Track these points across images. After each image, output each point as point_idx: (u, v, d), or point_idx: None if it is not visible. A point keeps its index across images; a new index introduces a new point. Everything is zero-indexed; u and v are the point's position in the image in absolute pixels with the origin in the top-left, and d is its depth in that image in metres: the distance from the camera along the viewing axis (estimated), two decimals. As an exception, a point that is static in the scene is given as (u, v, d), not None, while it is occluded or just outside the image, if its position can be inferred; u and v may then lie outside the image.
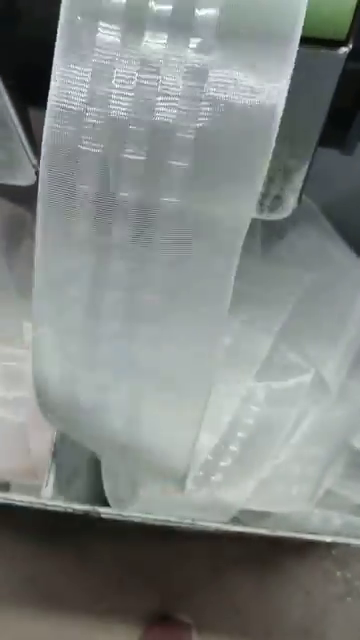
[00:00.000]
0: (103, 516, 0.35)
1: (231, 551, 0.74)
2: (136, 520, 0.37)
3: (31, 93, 0.34)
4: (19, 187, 0.41)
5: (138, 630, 0.73)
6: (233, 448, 0.45)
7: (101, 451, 0.36)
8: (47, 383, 0.29)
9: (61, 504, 0.35)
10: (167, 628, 0.72)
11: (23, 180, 0.38)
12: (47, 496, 0.36)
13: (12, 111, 0.32)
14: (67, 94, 0.23)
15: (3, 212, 0.54)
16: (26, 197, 0.55)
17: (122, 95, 0.23)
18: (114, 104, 0.23)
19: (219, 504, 0.45)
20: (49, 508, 0.36)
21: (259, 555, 0.74)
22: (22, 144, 0.35)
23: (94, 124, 0.23)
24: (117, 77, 0.22)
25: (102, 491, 0.48)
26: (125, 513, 0.36)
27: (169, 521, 0.39)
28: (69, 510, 0.36)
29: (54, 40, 0.23)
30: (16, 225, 0.54)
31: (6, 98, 0.31)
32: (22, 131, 0.34)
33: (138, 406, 0.30)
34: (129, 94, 0.22)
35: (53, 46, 0.24)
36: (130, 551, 0.74)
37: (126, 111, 0.23)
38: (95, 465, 0.50)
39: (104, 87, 0.22)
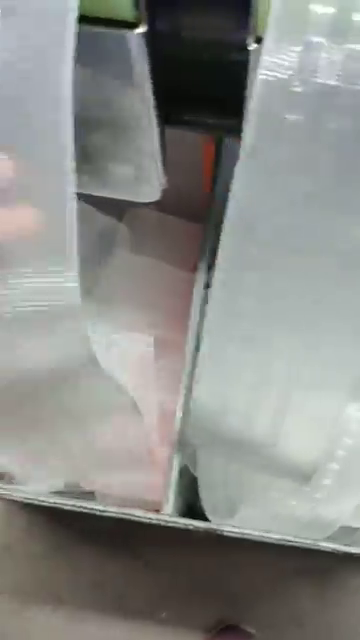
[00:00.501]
0: (225, 534, 0.36)
1: (293, 561, 0.74)
2: (243, 536, 0.37)
3: (173, 111, 0.34)
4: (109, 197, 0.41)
5: (200, 638, 0.73)
6: (335, 466, 0.45)
7: (231, 456, 0.37)
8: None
9: (183, 521, 0.35)
10: (229, 638, 0.73)
11: (147, 197, 0.38)
12: (168, 512, 0.36)
13: (155, 124, 0.32)
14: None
15: (94, 223, 0.54)
16: (116, 208, 0.55)
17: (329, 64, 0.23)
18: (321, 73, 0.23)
19: (320, 521, 0.45)
20: (169, 524, 0.36)
21: (321, 566, 0.74)
22: (155, 159, 0.34)
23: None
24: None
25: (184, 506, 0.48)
26: (246, 530, 0.36)
27: (270, 537, 0.39)
28: (189, 527, 0.36)
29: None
30: (107, 236, 0.54)
31: (153, 113, 0.31)
32: (159, 146, 0.34)
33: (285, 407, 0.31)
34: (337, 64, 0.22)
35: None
36: (193, 559, 0.74)
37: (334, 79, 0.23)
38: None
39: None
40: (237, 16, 0.25)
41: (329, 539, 0.45)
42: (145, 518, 0.36)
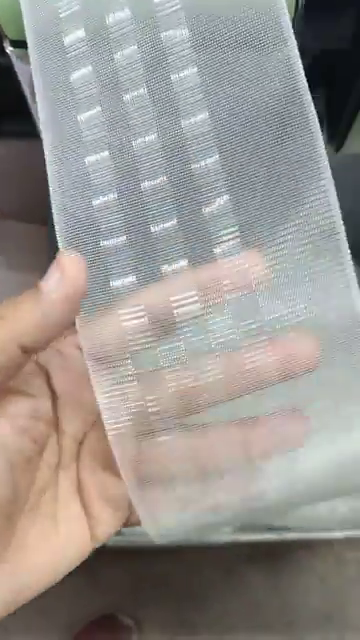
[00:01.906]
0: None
1: (242, 550, 0.75)
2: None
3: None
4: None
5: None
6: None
7: None
8: None
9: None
10: (104, 629, 0.72)
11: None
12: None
13: None
14: None
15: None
16: None
17: None
18: None
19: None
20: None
21: (270, 550, 0.74)
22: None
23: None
24: None
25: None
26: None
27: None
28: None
29: None
30: None
31: None
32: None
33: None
34: None
35: None
36: (141, 566, 0.74)
37: None
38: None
39: None
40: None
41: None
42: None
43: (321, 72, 0.32)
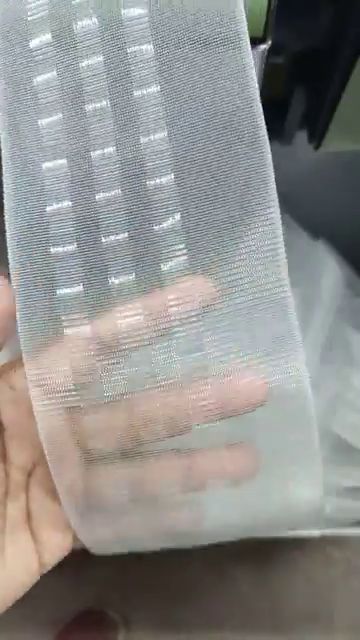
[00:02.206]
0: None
1: (230, 548, 0.74)
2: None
3: None
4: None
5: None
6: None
7: None
8: None
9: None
10: (90, 625, 0.72)
11: None
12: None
13: None
14: None
15: None
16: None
17: None
18: None
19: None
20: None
21: (258, 546, 0.74)
22: None
23: None
24: None
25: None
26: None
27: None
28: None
29: None
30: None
31: None
32: None
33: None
34: None
35: None
36: (128, 563, 0.74)
37: None
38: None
39: None
40: None
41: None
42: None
43: (301, 70, 0.32)
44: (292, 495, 0.25)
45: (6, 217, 0.23)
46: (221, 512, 0.26)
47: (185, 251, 0.23)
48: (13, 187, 0.23)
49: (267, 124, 0.25)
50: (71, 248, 0.23)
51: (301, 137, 0.36)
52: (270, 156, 0.22)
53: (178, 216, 0.23)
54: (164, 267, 0.23)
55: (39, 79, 0.23)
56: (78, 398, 0.23)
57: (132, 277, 0.23)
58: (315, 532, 0.39)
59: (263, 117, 0.22)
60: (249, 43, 0.22)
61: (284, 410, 0.23)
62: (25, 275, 0.23)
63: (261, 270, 0.22)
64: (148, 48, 0.22)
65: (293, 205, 0.54)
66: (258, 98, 0.22)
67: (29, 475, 0.26)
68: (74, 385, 0.23)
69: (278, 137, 0.37)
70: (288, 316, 0.22)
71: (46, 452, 0.23)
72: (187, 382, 0.23)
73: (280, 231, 0.22)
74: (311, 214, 0.55)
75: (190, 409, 0.23)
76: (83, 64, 0.22)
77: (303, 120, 0.34)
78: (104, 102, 0.23)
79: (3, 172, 0.23)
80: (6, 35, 0.23)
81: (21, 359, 0.24)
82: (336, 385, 0.52)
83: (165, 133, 0.22)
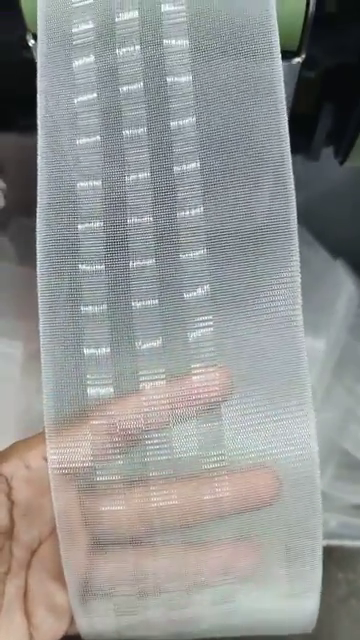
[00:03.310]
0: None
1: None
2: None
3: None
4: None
5: None
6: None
7: None
8: None
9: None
10: None
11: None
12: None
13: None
14: None
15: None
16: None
17: None
18: None
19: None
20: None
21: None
22: None
23: None
24: None
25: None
26: None
27: None
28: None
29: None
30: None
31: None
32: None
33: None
34: None
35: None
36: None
37: None
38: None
39: None
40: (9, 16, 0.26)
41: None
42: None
43: (331, 87, 0.33)
44: (289, 600, 0.26)
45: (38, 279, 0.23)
46: (223, 613, 0.26)
47: (211, 322, 0.23)
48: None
49: (294, 140, 0.26)
50: (102, 308, 0.23)
51: (326, 153, 0.37)
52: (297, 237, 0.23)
53: (207, 287, 0.23)
54: (190, 336, 0.23)
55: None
56: (96, 479, 0.23)
57: (159, 342, 0.23)
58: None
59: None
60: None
61: (294, 510, 0.24)
62: (55, 352, 0.23)
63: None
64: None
65: (314, 222, 0.54)
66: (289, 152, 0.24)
67: (33, 553, 0.26)
68: (93, 466, 0.23)
69: (305, 153, 0.38)
70: (306, 414, 0.23)
71: (58, 530, 0.23)
72: (205, 475, 0.23)
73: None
74: (332, 231, 0.55)
75: (205, 501, 0.23)
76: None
77: (330, 136, 0.35)
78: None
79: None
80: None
81: (36, 437, 0.24)
82: (347, 401, 0.52)
83: (201, 209, 0.23)
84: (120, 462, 0.23)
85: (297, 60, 0.26)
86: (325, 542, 0.43)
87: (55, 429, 0.23)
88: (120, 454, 0.23)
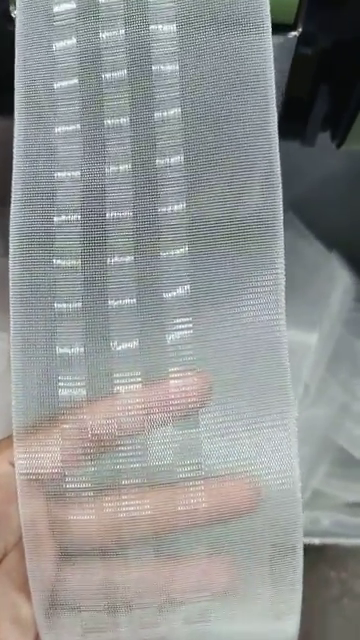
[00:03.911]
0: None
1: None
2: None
3: None
4: None
5: None
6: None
7: None
8: None
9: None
10: None
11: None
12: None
13: None
14: None
15: None
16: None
17: None
18: None
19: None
20: None
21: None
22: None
23: None
24: None
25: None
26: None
27: None
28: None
29: None
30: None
31: None
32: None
33: None
34: None
35: None
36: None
37: None
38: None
39: None
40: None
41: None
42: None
43: (328, 67, 0.32)
44: (268, 622, 0.25)
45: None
46: (197, 633, 0.25)
47: (191, 325, 0.22)
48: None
49: (288, 126, 0.25)
50: (77, 306, 0.23)
51: (322, 139, 0.36)
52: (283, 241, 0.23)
53: (188, 287, 0.22)
54: (168, 338, 0.22)
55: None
56: (65, 487, 0.22)
57: (136, 344, 0.23)
58: (315, 539, 0.39)
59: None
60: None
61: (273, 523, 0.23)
62: (26, 350, 0.22)
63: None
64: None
65: (309, 213, 0.53)
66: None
67: None
68: (62, 472, 0.22)
69: (300, 138, 0.37)
70: (287, 423, 0.22)
71: (24, 540, 0.22)
72: (180, 484, 0.22)
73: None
74: (326, 221, 0.55)
75: (179, 512, 0.22)
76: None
77: (326, 120, 0.34)
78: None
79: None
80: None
81: (3, 441, 0.23)
82: (342, 397, 0.51)
83: (184, 205, 0.22)
84: (91, 469, 0.22)
85: (293, 34, 0.25)
86: (318, 540, 0.42)
87: (24, 432, 0.22)
88: (91, 460, 0.22)
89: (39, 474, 0.22)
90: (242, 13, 0.22)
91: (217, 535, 0.23)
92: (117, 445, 0.22)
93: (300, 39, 0.26)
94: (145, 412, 0.22)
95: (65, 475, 0.22)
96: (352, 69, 0.29)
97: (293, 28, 0.25)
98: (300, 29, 0.25)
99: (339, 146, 0.32)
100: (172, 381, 0.22)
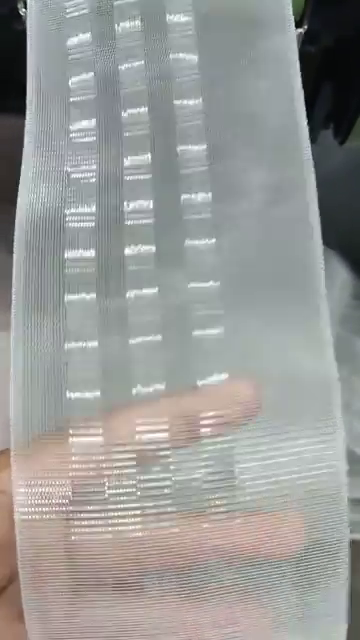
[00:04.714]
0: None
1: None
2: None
3: None
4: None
5: None
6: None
7: None
8: None
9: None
10: None
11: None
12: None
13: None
14: None
15: None
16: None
17: None
18: None
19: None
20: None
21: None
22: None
23: None
24: None
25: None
26: None
27: None
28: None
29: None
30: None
31: None
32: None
33: None
34: None
35: None
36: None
37: None
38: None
39: None
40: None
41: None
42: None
43: (331, 64, 0.32)
44: None
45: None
46: None
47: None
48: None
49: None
50: (93, 344, 0.21)
51: (325, 137, 0.37)
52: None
53: (222, 329, 0.21)
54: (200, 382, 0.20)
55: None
56: (74, 512, 0.19)
57: (162, 387, 0.20)
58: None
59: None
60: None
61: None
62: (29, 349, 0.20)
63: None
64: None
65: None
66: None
67: (1, 592, 0.22)
68: (73, 496, 0.19)
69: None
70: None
71: (20, 570, 0.19)
72: (212, 511, 0.19)
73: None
74: (325, 218, 0.55)
75: (208, 546, 0.19)
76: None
77: (328, 117, 0.34)
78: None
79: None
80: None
81: (6, 455, 0.20)
82: (342, 395, 0.51)
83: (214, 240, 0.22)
84: (107, 493, 0.20)
85: (299, 31, 0.25)
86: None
87: (23, 453, 0.19)
88: (107, 483, 0.20)
89: (46, 494, 0.19)
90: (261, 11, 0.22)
91: (252, 574, 0.20)
92: (139, 469, 0.20)
93: (306, 36, 0.26)
94: (174, 425, 0.20)
95: (77, 498, 0.19)
96: (355, 66, 0.29)
97: (299, 25, 0.25)
98: (306, 26, 0.25)
99: (342, 143, 0.32)
100: (207, 389, 0.20)
